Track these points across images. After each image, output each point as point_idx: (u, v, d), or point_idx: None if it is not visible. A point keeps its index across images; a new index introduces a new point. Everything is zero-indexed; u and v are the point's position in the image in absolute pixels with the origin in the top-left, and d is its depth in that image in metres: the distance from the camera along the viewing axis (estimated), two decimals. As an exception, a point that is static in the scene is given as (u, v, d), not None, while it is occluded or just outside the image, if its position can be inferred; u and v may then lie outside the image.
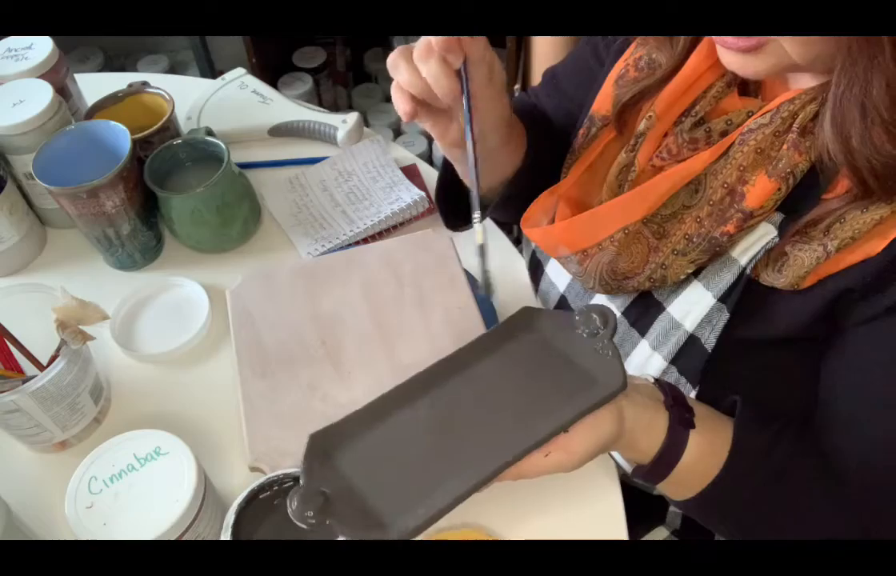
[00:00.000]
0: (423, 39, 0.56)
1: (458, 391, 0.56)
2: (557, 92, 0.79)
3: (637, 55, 0.66)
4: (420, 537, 0.60)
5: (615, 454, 0.64)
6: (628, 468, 0.61)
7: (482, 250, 0.57)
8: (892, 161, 0.48)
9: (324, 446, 0.52)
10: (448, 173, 0.76)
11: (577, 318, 0.56)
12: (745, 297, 0.57)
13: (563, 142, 0.73)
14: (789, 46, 0.49)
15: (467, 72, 0.57)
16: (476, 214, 0.57)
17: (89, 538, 0.53)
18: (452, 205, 0.78)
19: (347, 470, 0.52)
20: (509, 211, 0.74)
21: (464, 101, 0.57)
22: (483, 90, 0.59)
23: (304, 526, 0.48)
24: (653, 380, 0.59)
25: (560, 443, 0.52)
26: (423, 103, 0.59)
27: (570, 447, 0.52)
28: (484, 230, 0.57)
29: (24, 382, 0.61)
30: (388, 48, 2.04)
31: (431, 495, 0.50)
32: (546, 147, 0.73)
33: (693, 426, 0.57)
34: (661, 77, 0.62)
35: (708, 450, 0.57)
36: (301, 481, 0.50)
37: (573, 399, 0.53)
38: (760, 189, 0.55)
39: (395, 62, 0.58)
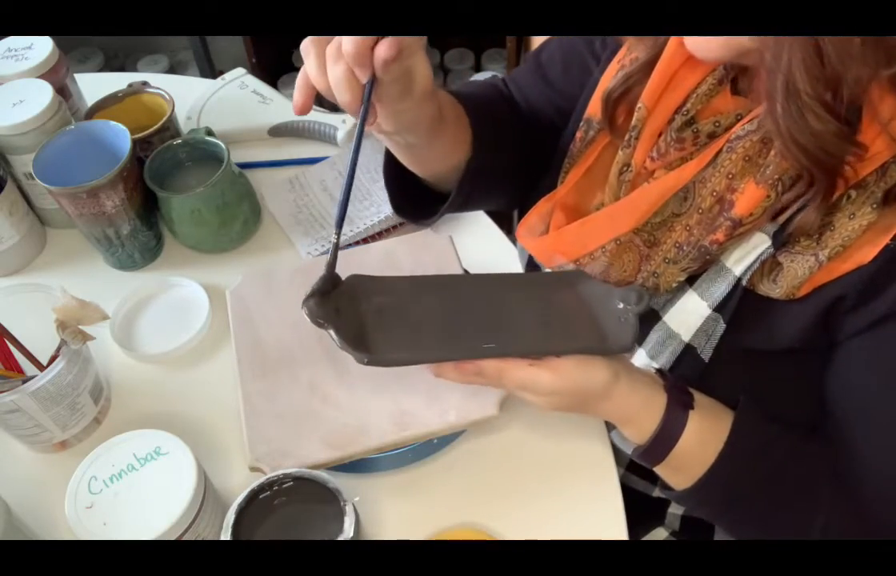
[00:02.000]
0: (337, 38, 0.52)
1: (489, 297, 0.60)
2: (543, 82, 0.77)
3: (633, 55, 0.65)
4: (420, 538, 0.61)
5: (616, 439, 0.64)
6: (628, 450, 0.61)
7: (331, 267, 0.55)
8: (819, 140, 0.47)
9: (356, 289, 0.58)
10: (391, 159, 0.72)
11: (617, 290, 0.60)
12: (743, 307, 0.57)
13: (549, 136, 0.72)
14: None
15: (371, 89, 0.53)
16: (334, 236, 0.54)
17: (89, 538, 0.53)
18: (403, 193, 0.74)
19: (367, 307, 0.57)
20: (481, 203, 0.74)
21: (359, 121, 0.53)
22: (397, 104, 0.57)
23: (307, 316, 0.53)
24: (655, 370, 0.61)
25: (548, 361, 0.55)
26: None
27: (556, 368, 0.55)
28: (335, 249, 0.54)
29: (24, 382, 0.61)
30: (388, 48, 2.04)
31: (418, 348, 0.56)
32: (524, 144, 0.72)
33: (692, 407, 0.58)
34: (642, 64, 0.62)
35: (708, 434, 0.57)
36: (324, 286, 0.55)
37: (577, 338, 0.57)
38: (749, 197, 0.55)
39: (307, 48, 0.54)
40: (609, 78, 0.67)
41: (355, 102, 0.53)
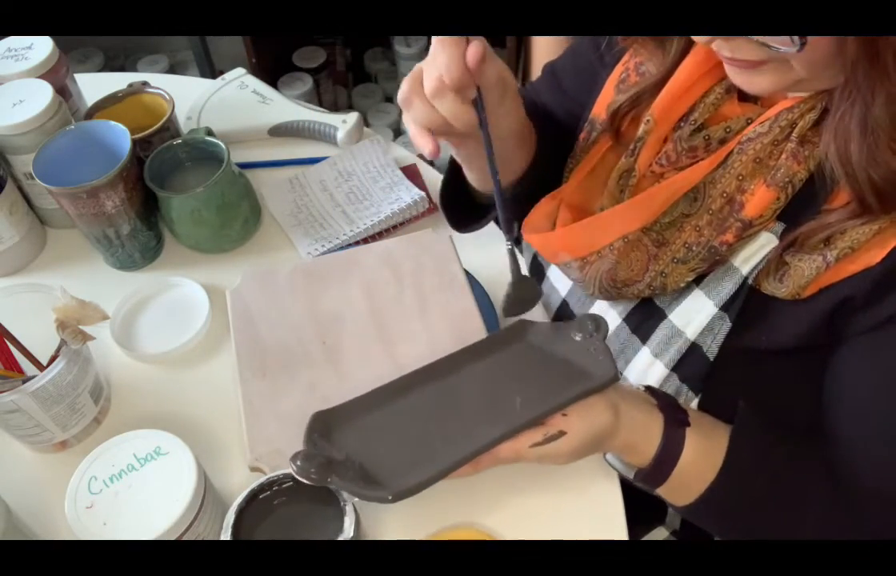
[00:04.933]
0: (434, 75, 0.54)
1: (454, 384, 0.59)
2: (559, 91, 0.78)
3: (637, 59, 0.66)
4: (420, 538, 0.61)
5: (614, 462, 0.64)
6: (629, 475, 0.61)
7: (515, 270, 0.55)
8: (892, 176, 0.48)
9: (324, 424, 0.56)
10: (453, 174, 0.74)
11: (567, 325, 0.59)
12: (748, 306, 0.57)
13: (566, 140, 0.73)
14: (795, 63, 0.50)
15: (482, 100, 0.55)
16: (507, 241, 0.55)
17: (89, 538, 0.53)
18: (457, 205, 0.77)
19: (346, 444, 0.55)
20: (515, 210, 0.74)
21: (483, 132, 0.55)
22: (497, 109, 0.58)
23: (306, 481, 0.51)
24: (643, 388, 0.60)
25: (558, 424, 0.55)
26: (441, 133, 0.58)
27: (568, 428, 0.55)
28: (515, 253, 0.56)
29: (24, 382, 0.61)
30: (389, 48, 2.04)
31: (428, 462, 0.53)
32: (552, 145, 0.73)
33: (688, 424, 0.57)
34: (653, 83, 0.62)
35: (706, 448, 0.57)
36: (303, 447, 0.53)
37: (568, 386, 0.56)
38: (759, 198, 0.55)
39: (407, 99, 0.56)
40: (615, 79, 0.67)
41: (473, 118, 0.55)
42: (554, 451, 0.55)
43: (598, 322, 0.58)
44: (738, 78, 0.54)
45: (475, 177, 0.69)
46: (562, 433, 0.55)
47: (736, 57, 0.52)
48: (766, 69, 0.51)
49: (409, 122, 0.57)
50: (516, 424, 0.54)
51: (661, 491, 0.60)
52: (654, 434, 0.57)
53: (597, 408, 0.55)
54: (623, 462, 0.60)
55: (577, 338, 0.58)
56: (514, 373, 0.59)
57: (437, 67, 0.53)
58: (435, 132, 0.56)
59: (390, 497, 0.50)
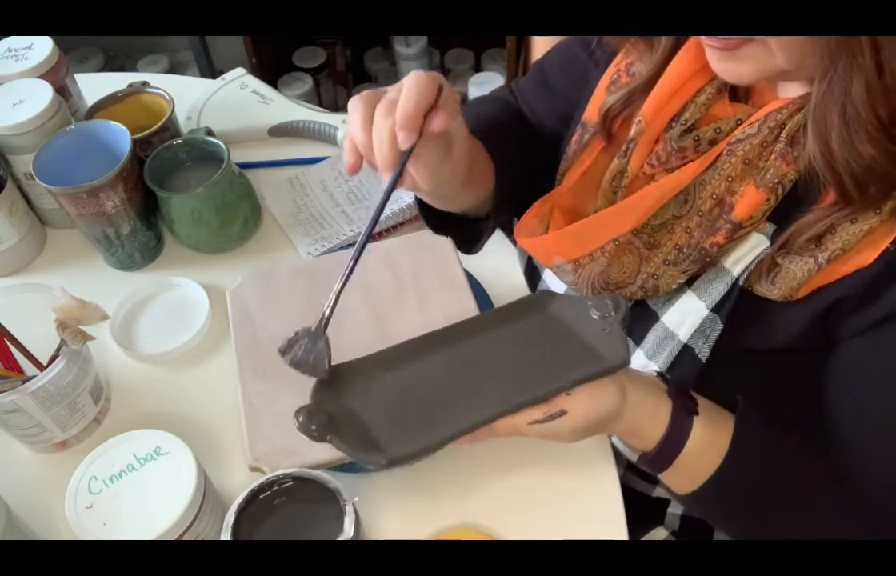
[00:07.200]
0: (391, 96, 0.53)
1: (467, 351, 0.59)
2: (548, 93, 0.78)
3: (629, 60, 0.66)
4: (420, 538, 0.61)
5: (618, 443, 0.64)
6: (633, 457, 0.61)
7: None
8: (871, 165, 0.47)
9: (337, 377, 0.56)
10: (428, 212, 0.74)
11: (589, 302, 0.58)
12: (740, 307, 0.57)
13: (553, 144, 0.73)
14: (774, 46, 0.49)
15: (409, 156, 0.54)
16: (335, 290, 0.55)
17: (89, 538, 0.53)
18: (456, 231, 0.76)
19: (354, 402, 0.55)
20: (501, 219, 0.74)
21: (391, 177, 0.54)
22: (436, 167, 0.58)
23: (306, 437, 0.52)
24: (656, 373, 0.60)
25: (560, 403, 0.54)
26: None
27: (570, 408, 0.54)
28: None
29: (24, 382, 0.61)
30: (389, 48, 2.04)
31: (428, 431, 0.53)
32: (531, 155, 0.73)
33: (696, 414, 0.57)
34: (643, 84, 0.62)
35: (712, 438, 0.57)
36: (310, 400, 0.53)
37: (576, 367, 0.55)
38: (749, 200, 0.55)
39: (353, 105, 0.55)
40: (607, 80, 0.67)
41: (392, 160, 0.53)
42: (553, 430, 0.54)
43: (618, 303, 0.57)
44: (719, 64, 0.53)
45: (444, 207, 0.69)
46: (563, 413, 0.53)
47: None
48: (746, 54, 0.51)
49: (346, 130, 0.56)
50: (518, 402, 0.53)
51: (664, 476, 0.59)
52: (660, 420, 0.57)
53: (604, 390, 0.54)
54: (627, 444, 0.60)
55: (595, 316, 0.57)
56: (526, 345, 0.58)
57: (399, 92, 0.52)
58: (361, 149, 0.55)
59: (385, 463, 0.50)
